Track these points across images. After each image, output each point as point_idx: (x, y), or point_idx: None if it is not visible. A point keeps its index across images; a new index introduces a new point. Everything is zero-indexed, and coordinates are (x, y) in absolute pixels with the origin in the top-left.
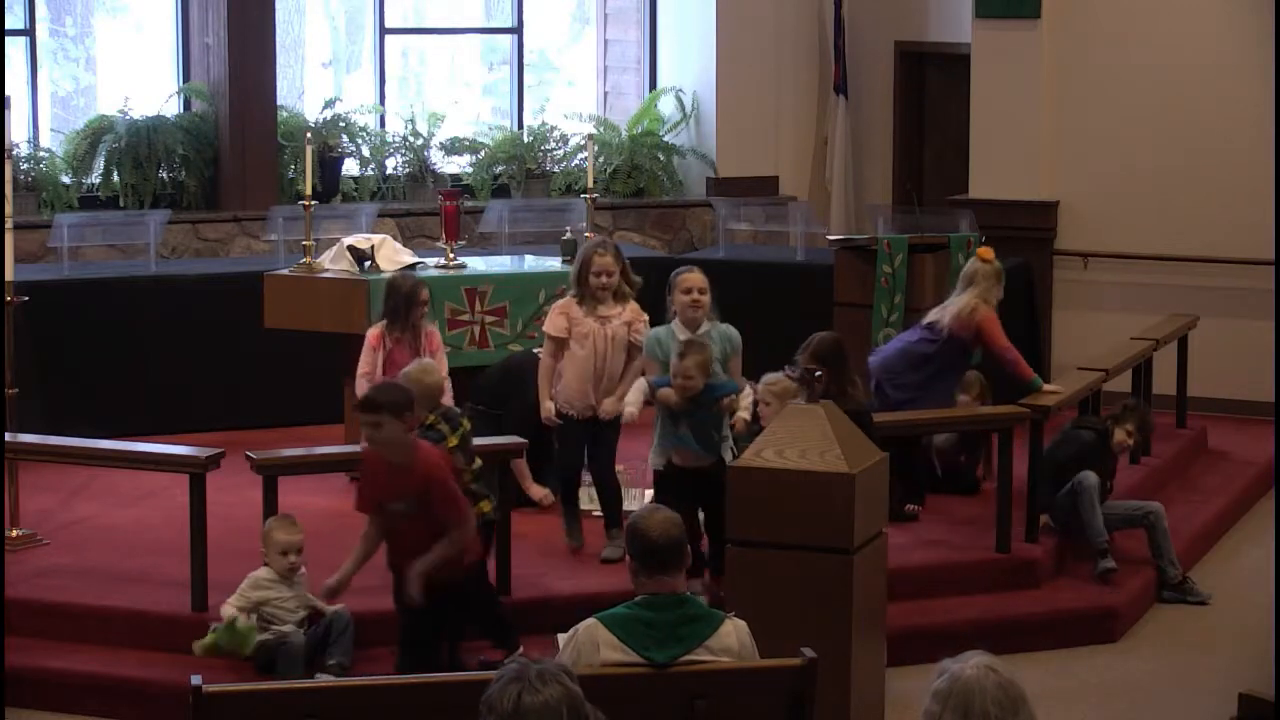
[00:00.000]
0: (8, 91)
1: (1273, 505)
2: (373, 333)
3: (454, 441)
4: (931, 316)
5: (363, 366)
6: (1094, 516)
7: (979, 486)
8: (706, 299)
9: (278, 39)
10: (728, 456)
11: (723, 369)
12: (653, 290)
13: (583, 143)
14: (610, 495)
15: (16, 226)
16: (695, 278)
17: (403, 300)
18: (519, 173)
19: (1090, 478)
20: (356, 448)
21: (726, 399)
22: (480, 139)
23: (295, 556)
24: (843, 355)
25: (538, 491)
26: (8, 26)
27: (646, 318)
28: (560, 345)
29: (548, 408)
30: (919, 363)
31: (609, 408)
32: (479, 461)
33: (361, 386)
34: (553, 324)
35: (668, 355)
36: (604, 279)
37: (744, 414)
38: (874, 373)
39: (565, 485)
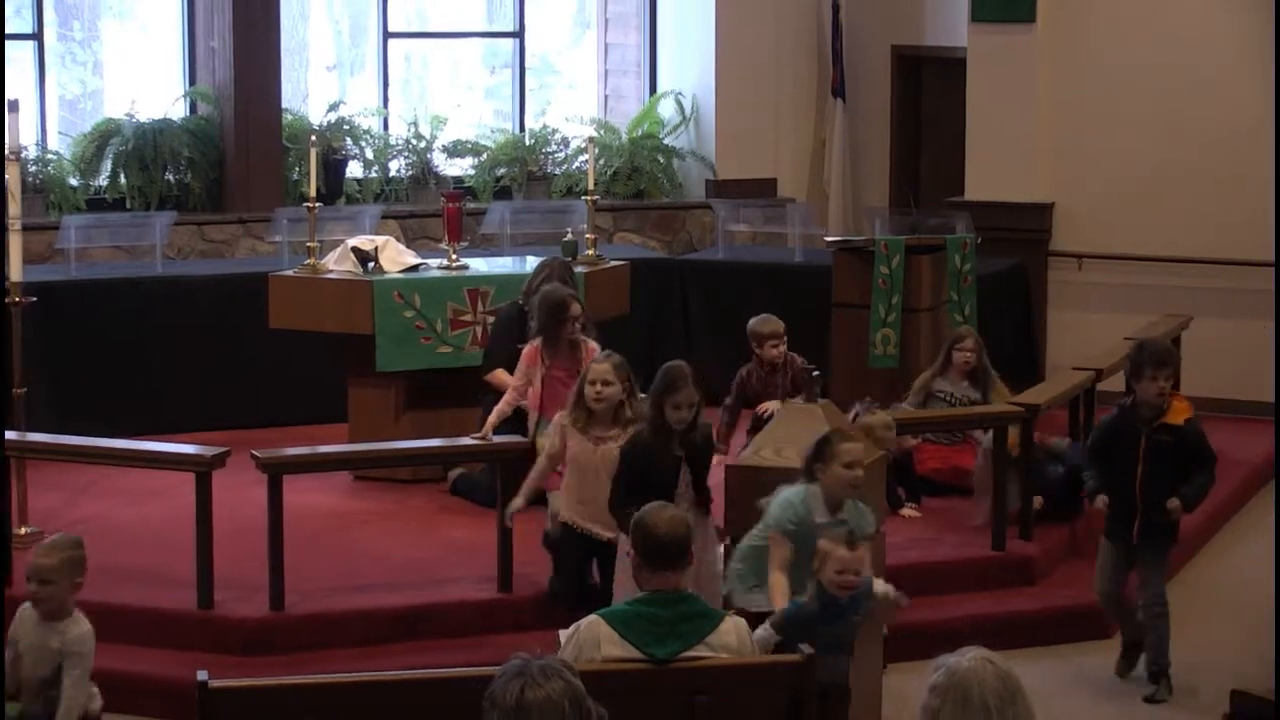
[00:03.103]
0: (15, 95)
1: (1272, 502)
2: (530, 348)
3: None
4: None
5: (515, 379)
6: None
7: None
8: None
9: (282, 43)
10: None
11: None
12: (649, 291)
13: (583, 145)
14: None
15: (24, 228)
16: (856, 449)
17: (548, 315)
18: (520, 175)
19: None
20: (361, 447)
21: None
22: (482, 141)
23: (36, 586)
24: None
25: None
26: (17, 31)
27: None
28: (555, 461)
29: (516, 504)
30: None
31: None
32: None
33: (509, 400)
34: (548, 440)
35: (803, 530)
36: (599, 388)
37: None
38: None
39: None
